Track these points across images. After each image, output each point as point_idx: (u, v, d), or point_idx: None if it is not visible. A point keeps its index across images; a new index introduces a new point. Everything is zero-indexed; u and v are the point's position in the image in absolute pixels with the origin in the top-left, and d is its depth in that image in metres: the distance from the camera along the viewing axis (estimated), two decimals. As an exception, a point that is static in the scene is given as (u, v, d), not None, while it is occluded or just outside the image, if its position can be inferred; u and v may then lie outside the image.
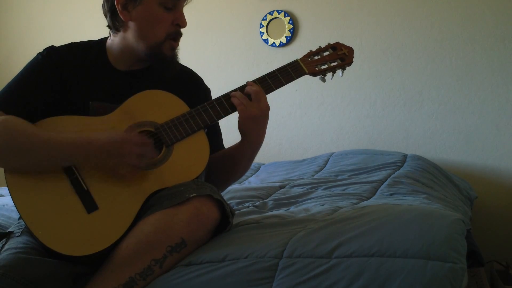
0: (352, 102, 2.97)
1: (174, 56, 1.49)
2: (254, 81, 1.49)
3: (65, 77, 1.45)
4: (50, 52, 1.47)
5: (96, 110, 1.44)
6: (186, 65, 1.64)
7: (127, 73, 1.51)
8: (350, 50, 1.58)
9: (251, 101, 1.43)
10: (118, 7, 1.45)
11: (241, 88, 1.47)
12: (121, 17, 1.46)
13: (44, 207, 1.29)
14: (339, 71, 1.57)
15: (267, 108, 1.45)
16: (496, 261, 2.44)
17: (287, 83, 1.51)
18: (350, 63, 1.58)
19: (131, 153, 1.31)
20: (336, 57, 1.56)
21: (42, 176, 1.32)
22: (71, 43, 1.53)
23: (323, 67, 1.55)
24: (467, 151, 2.78)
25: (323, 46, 1.58)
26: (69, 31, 3.41)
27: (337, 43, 1.59)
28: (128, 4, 1.44)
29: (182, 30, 1.50)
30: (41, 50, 1.49)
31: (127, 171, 1.32)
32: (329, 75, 1.56)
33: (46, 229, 1.26)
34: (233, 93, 1.46)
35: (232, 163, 1.53)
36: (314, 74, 1.54)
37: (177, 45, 1.49)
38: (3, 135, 1.30)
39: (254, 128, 1.45)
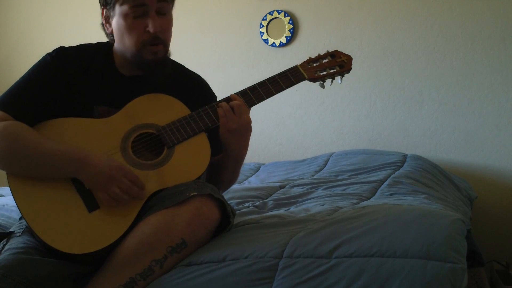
0: (352, 102, 2.97)
1: (159, 60, 1.45)
2: (255, 85, 1.50)
3: (72, 79, 1.45)
4: (59, 54, 1.47)
5: (100, 114, 1.44)
6: (187, 66, 1.64)
7: (131, 78, 1.51)
8: (349, 58, 1.60)
9: (234, 114, 1.43)
10: (103, 20, 1.49)
11: (226, 100, 1.48)
12: (105, 29, 1.49)
13: (46, 205, 1.30)
14: (338, 78, 1.59)
15: (248, 122, 1.46)
16: (496, 261, 2.44)
17: (287, 88, 1.53)
18: (348, 70, 1.59)
19: (119, 184, 1.29)
20: (334, 64, 1.58)
21: None
22: (80, 45, 1.53)
23: (322, 73, 1.57)
24: (467, 151, 2.77)
25: (322, 53, 1.60)
26: (69, 31, 3.41)
27: (336, 51, 1.61)
28: (109, 17, 1.46)
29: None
30: (51, 51, 1.48)
31: (107, 198, 1.30)
32: (328, 81, 1.58)
33: (47, 227, 1.27)
34: (220, 103, 1.46)
35: (216, 172, 1.55)
36: (313, 79, 1.55)
37: (159, 49, 1.44)
38: (4, 145, 1.31)
39: (232, 141, 1.46)
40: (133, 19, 1.41)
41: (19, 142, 1.32)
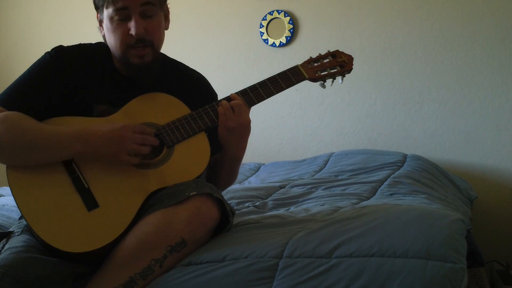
0: (352, 102, 2.97)
1: (145, 64, 1.45)
2: (255, 85, 1.50)
3: (71, 79, 1.46)
4: (59, 52, 1.47)
5: (100, 113, 1.45)
6: (190, 66, 1.64)
7: (131, 78, 1.51)
8: (350, 58, 1.60)
9: (234, 113, 1.44)
10: (98, 23, 1.50)
11: (226, 99, 1.48)
12: (100, 32, 1.51)
13: (45, 204, 1.30)
14: (338, 78, 1.59)
15: (247, 122, 1.46)
16: (496, 261, 2.44)
17: (287, 87, 1.52)
18: (349, 70, 1.59)
19: (132, 139, 1.32)
20: (335, 64, 1.58)
21: (43, 174, 1.33)
22: (80, 44, 1.54)
23: (323, 73, 1.56)
24: (467, 151, 2.77)
25: (323, 53, 1.60)
26: (69, 31, 3.41)
27: (337, 51, 1.61)
28: (101, 20, 1.48)
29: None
30: (50, 50, 1.48)
31: (128, 158, 1.33)
32: (329, 81, 1.58)
33: (46, 226, 1.27)
34: (220, 102, 1.46)
35: (214, 171, 1.55)
36: (314, 79, 1.55)
37: (147, 51, 1.44)
38: (7, 132, 1.32)
39: (230, 140, 1.46)
40: (118, 22, 1.42)
41: (22, 127, 1.33)
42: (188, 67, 1.63)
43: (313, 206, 1.73)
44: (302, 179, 2.39)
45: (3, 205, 1.97)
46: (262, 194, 2.07)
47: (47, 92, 1.43)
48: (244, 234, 1.35)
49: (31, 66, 1.46)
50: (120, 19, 1.42)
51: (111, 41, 1.45)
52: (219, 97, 1.55)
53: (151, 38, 1.44)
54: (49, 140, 1.32)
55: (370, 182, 2.14)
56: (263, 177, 2.61)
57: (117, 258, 1.23)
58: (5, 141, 1.32)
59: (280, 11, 3.05)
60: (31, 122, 1.35)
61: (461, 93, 2.78)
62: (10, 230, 1.41)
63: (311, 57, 1.58)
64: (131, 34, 1.41)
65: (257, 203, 1.89)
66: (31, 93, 1.42)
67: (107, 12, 1.42)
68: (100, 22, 1.49)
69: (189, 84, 1.58)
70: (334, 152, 2.84)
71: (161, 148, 1.42)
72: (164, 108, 1.46)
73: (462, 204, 2.03)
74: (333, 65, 1.58)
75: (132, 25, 1.41)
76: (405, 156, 2.59)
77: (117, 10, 1.40)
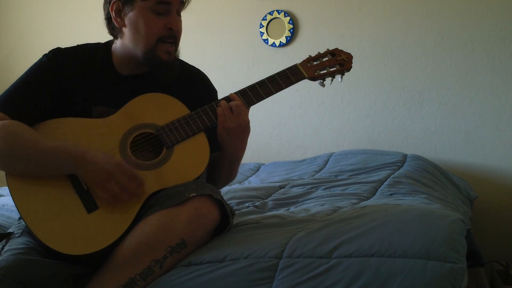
0: (352, 102, 2.97)
1: (171, 61, 1.47)
2: (254, 84, 1.50)
3: (69, 80, 1.45)
4: (56, 54, 1.47)
5: (99, 114, 1.44)
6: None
7: (130, 78, 1.51)
8: (349, 56, 1.59)
9: (233, 114, 1.44)
10: (112, 14, 1.47)
11: (225, 99, 1.48)
12: (115, 23, 1.47)
13: (45, 206, 1.30)
14: (338, 76, 1.58)
15: (246, 122, 1.45)
16: (496, 261, 2.44)
17: (286, 87, 1.52)
18: (349, 68, 1.59)
19: (117, 181, 1.28)
20: (335, 63, 1.57)
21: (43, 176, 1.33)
22: (78, 46, 1.53)
23: (322, 72, 1.56)
24: (467, 151, 2.77)
25: (322, 52, 1.59)
26: (69, 31, 3.40)
27: (336, 49, 1.60)
28: (121, 10, 1.45)
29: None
30: (47, 52, 1.48)
31: (106, 196, 1.29)
32: (328, 80, 1.58)
33: (46, 229, 1.27)
34: (219, 102, 1.46)
35: (213, 171, 1.54)
36: (313, 78, 1.55)
37: (173, 49, 1.47)
38: (3, 144, 1.31)
39: (229, 140, 1.45)
40: (155, 15, 1.43)
41: (18, 141, 1.32)
42: (187, 63, 1.63)
43: (313, 206, 1.73)
44: (302, 179, 2.39)
45: (3, 205, 1.97)
46: (262, 194, 2.07)
47: (45, 95, 1.42)
48: (244, 234, 1.35)
49: (28, 69, 1.46)
50: (158, 12, 1.43)
51: (141, 33, 1.44)
52: (219, 98, 1.55)
53: (179, 37, 1.49)
54: (43, 158, 1.31)
55: (370, 182, 2.14)
56: (263, 177, 2.61)
57: (117, 259, 1.23)
58: (1, 151, 1.32)
59: (280, 11, 3.05)
60: (28, 134, 1.33)
61: (461, 93, 2.78)
62: (9, 231, 1.41)
63: (310, 56, 1.58)
64: (169, 29, 1.44)
65: (257, 203, 1.89)
66: (29, 96, 1.41)
67: (143, 4, 1.42)
68: (119, 12, 1.45)
69: (188, 80, 1.58)
70: (334, 152, 2.84)
71: (160, 149, 1.41)
72: (163, 109, 1.46)
73: (462, 204, 2.03)
74: (332, 64, 1.57)
75: (172, 20, 1.44)
76: (405, 156, 2.59)
77: (160, 4, 1.42)
